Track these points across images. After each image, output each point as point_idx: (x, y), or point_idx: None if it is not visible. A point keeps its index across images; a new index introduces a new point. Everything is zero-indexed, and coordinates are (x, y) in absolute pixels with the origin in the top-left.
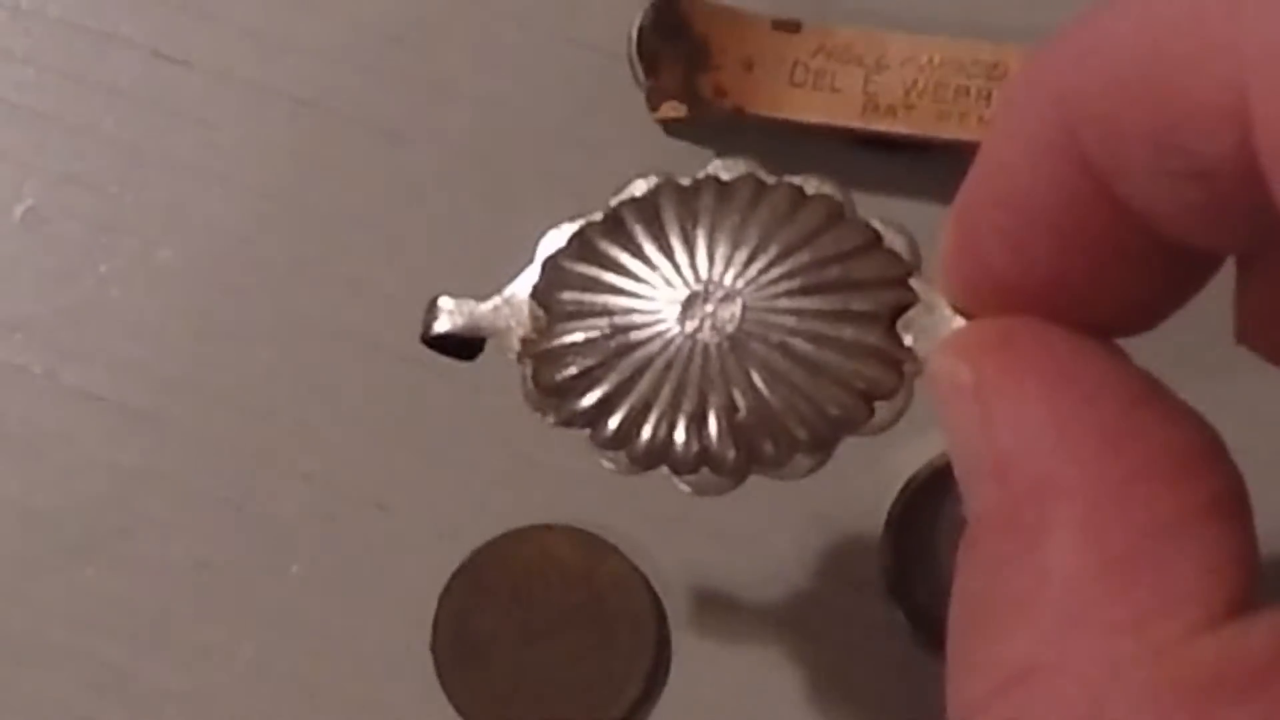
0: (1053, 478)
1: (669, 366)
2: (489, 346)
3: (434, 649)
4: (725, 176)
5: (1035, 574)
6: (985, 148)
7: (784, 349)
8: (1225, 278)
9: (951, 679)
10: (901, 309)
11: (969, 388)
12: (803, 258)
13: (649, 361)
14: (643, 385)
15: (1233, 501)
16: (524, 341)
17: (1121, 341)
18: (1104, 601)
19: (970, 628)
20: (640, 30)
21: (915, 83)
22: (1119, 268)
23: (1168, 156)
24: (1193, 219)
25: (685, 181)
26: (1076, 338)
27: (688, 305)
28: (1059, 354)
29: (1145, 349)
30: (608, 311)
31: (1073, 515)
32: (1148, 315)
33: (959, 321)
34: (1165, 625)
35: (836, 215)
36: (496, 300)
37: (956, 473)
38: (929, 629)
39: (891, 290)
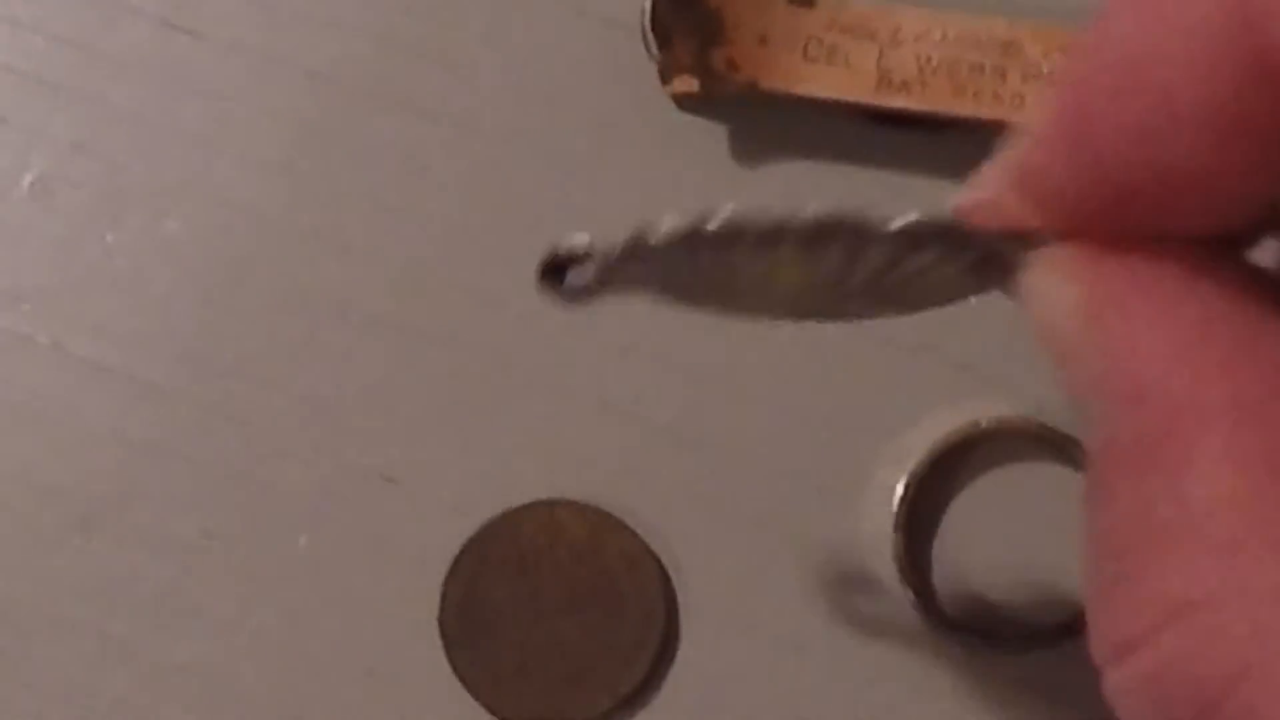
0: (1191, 401)
1: None
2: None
3: (441, 623)
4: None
5: (1183, 503)
6: (1113, 38)
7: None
8: None
9: (1098, 616)
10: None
11: (1084, 311)
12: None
13: None
14: None
15: None
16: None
17: None
18: (1259, 527)
19: (1116, 563)
20: (654, 3)
21: (929, 59)
22: (1265, 170)
23: None
24: None
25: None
26: (1193, 250)
27: None
28: (1179, 269)
29: None
30: None
31: (1217, 439)
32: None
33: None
34: None
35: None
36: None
37: (1073, 402)
38: (939, 610)
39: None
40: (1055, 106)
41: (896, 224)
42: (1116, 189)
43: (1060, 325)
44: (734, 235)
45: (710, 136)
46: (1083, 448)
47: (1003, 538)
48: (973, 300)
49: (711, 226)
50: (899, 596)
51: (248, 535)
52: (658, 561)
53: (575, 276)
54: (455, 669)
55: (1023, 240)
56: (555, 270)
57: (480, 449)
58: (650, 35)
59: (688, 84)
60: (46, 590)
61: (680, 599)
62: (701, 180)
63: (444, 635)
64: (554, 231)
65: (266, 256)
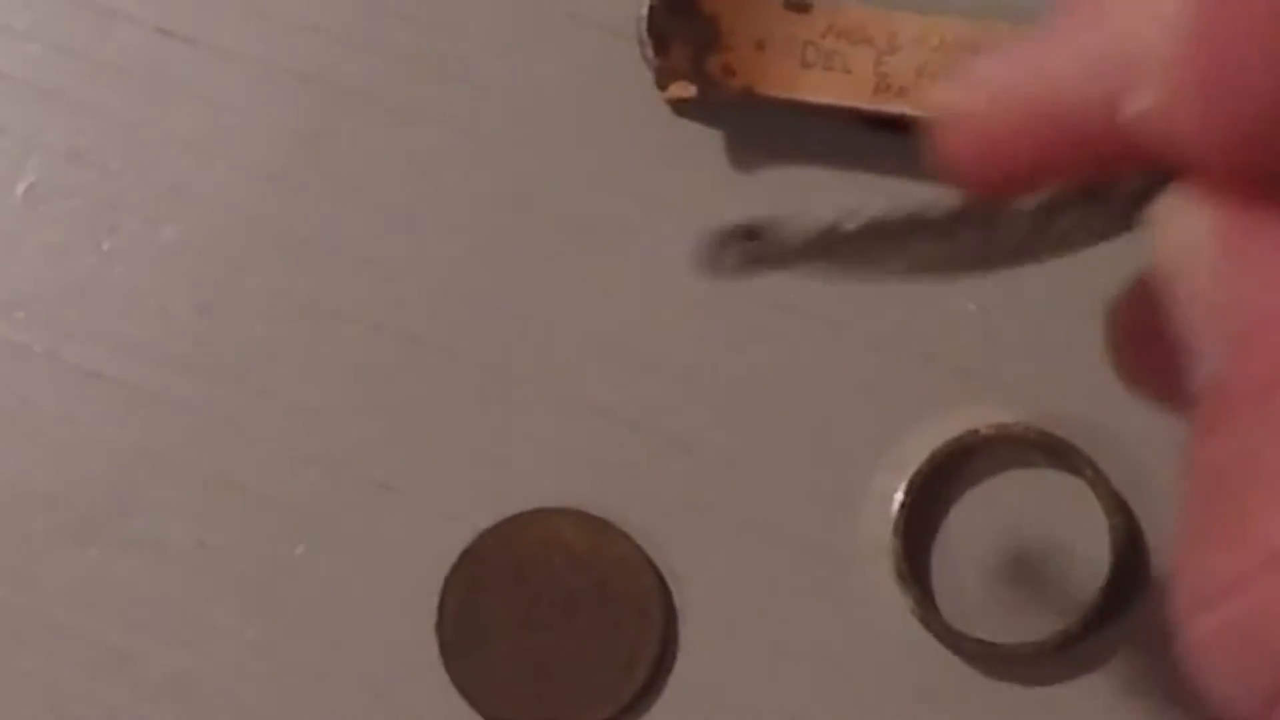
0: None
1: None
2: None
3: (439, 631)
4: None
5: None
6: None
7: None
8: None
9: (1189, 563)
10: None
11: (1217, 240)
12: None
13: None
14: None
15: None
16: None
17: None
18: None
19: (1219, 502)
20: (650, 9)
21: (927, 64)
22: None
23: None
24: None
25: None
26: None
27: None
28: None
29: None
30: None
31: None
32: None
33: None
34: None
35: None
36: None
37: (1188, 334)
38: (939, 618)
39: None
40: (1192, 29)
41: (1031, 202)
42: (1259, 121)
43: (1189, 254)
44: (872, 232)
45: (707, 142)
46: (1080, 453)
47: (1002, 545)
48: (971, 307)
49: (849, 227)
50: (898, 604)
51: (245, 544)
52: (655, 569)
53: (743, 250)
54: (453, 678)
55: (1161, 176)
56: (724, 244)
57: (477, 457)
58: (646, 41)
59: (684, 90)
60: (41, 599)
61: (678, 607)
62: (699, 186)
63: (442, 644)
64: (550, 236)
65: (262, 264)
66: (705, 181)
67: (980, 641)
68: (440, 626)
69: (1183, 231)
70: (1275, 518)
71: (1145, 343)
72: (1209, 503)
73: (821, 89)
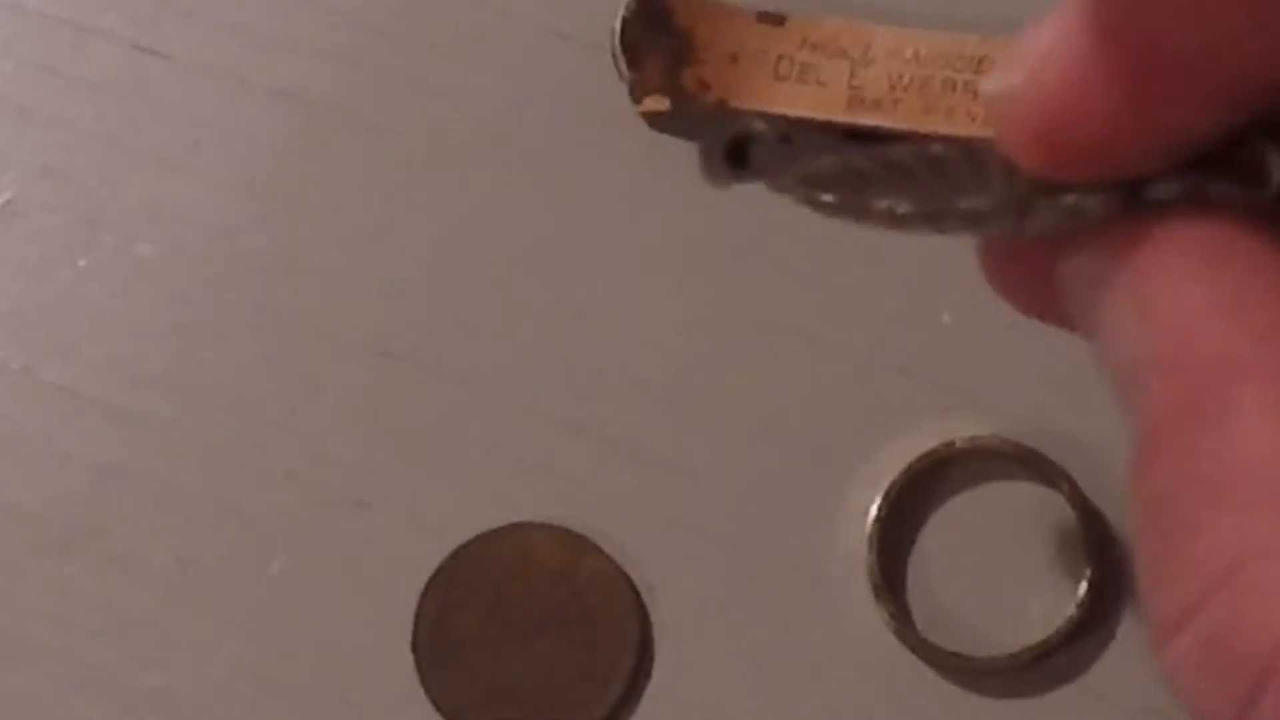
0: (1232, 358)
1: None
2: None
3: (414, 647)
4: None
5: (1229, 460)
6: None
7: None
8: None
9: (1153, 595)
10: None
11: (1120, 282)
12: None
13: None
14: None
15: None
16: None
17: None
18: None
19: (1164, 531)
20: (623, 22)
21: (901, 77)
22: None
23: None
24: None
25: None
26: (1231, 216)
27: None
28: (1218, 232)
29: None
30: None
31: (1261, 394)
32: None
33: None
34: None
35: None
36: None
37: (1114, 376)
38: (914, 631)
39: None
40: None
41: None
42: (1158, 61)
43: (1099, 299)
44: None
45: (681, 155)
46: (1055, 465)
47: (978, 558)
48: (946, 319)
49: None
50: (874, 617)
51: (221, 560)
52: (631, 584)
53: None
54: (429, 693)
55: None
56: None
57: (452, 473)
58: (620, 55)
59: (658, 103)
60: (18, 616)
61: (654, 621)
62: (673, 199)
63: (417, 659)
64: (527, 252)
65: (239, 280)
66: (681, 195)
67: (956, 655)
68: (415, 642)
69: (1092, 276)
70: (1211, 536)
71: (1010, 253)
72: (1158, 533)
73: (796, 102)
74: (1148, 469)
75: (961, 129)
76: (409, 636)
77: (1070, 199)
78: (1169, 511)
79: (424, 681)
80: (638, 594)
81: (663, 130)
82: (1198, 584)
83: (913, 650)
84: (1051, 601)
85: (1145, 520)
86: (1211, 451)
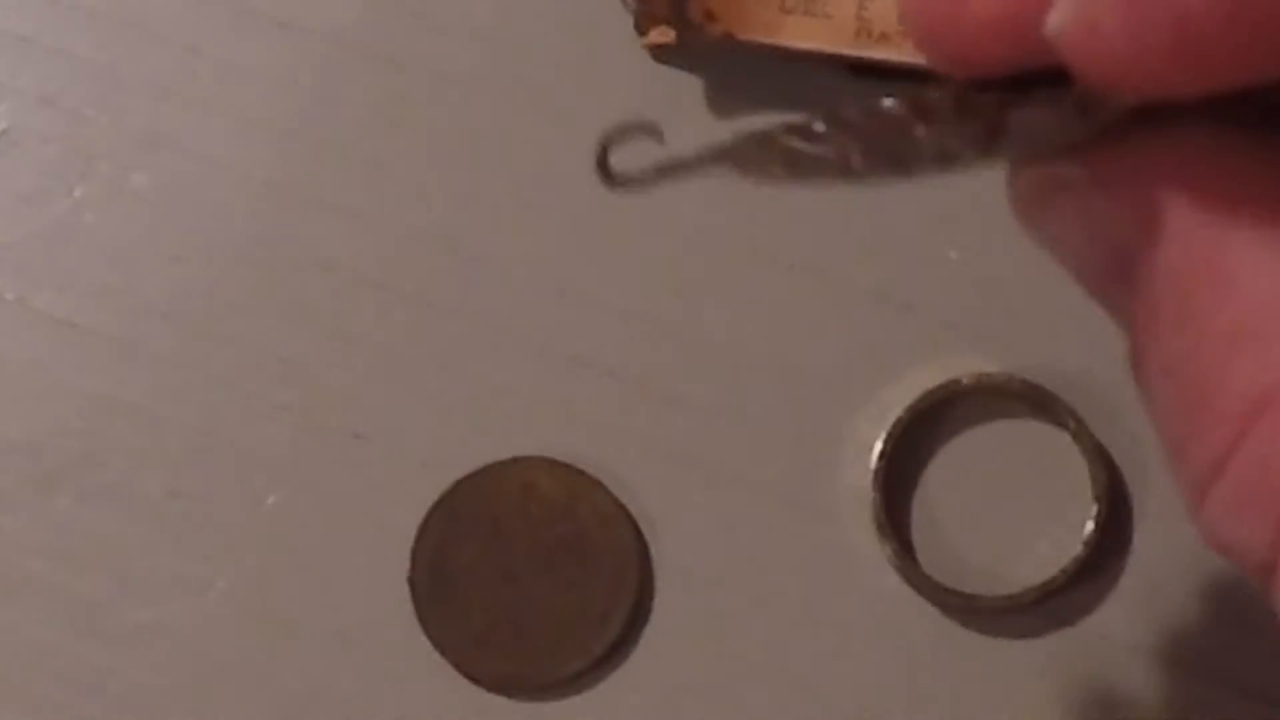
0: (1222, 214)
1: None
2: None
3: (412, 582)
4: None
5: (1238, 302)
6: None
7: None
8: None
9: (1182, 456)
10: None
11: (1101, 179)
12: None
13: None
14: None
15: None
16: None
17: None
18: None
19: (1185, 394)
20: None
21: None
22: None
23: None
24: None
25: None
26: (1188, 127)
27: None
28: (1182, 136)
29: None
30: None
31: (1255, 231)
32: None
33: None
34: None
35: None
36: None
37: (1092, 277)
38: (918, 568)
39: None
40: None
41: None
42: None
43: (1081, 197)
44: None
45: (687, 88)
46: (1062, 404)
47: (983, 496)
48: (953, 255)
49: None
50: (877, 554)
51: (215, 494)
52: (631, 519)
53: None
54: (426, 629)
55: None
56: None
57: (451, 406)
58: None
59: (664, 35)
60: (9, 549)
61: (654, 557)
62: (679, 133)
63: (414, 594)
64: (527, 187)
65: (235, 211)
66: (685, 128)
67: (960, 593)
68: (413, 577)
69: (1058, 178)
70: (1244, 371)
71: None
72: (1180, 399)
73: (803, 34)
74: (1161, 337)
75: None
76: (406, 571)
77: (1025, 115)
78: (1188, 372)
79: (421, 616)
80: (639, 529)
81: (668, 63)
82: (1228, 429)
83: (915, 588)
84: (1056, 541)
85: (1163, 393)
86: (1218, 299)
